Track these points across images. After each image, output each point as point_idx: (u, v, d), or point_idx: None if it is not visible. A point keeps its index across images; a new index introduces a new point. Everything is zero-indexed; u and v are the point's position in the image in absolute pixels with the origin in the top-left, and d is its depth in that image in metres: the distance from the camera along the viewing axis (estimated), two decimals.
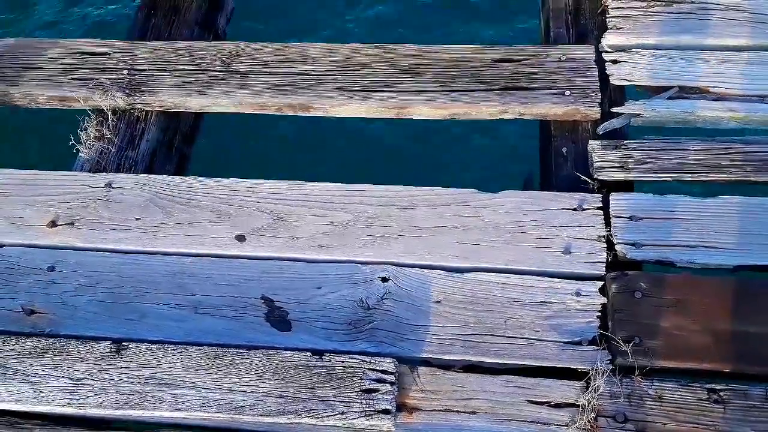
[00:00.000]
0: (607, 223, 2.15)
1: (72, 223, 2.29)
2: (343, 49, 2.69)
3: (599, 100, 2.46)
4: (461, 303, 2.03)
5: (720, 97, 2.43)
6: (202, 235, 2.23)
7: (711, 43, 2.59)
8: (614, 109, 2.45)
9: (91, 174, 2.43)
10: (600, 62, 2.56)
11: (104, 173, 2.43)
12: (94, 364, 1.94)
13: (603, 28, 2.68)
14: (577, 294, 2.02)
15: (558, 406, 1.85)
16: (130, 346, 1.97)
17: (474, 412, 1.86)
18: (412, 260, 2.13)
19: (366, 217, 2.23)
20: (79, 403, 1.88)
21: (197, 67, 2.68)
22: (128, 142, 2.58)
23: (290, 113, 2.60)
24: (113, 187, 2.36)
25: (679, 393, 1.84)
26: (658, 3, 2.69)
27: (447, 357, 1.95)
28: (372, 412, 1.81)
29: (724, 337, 1.90)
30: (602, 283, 2.04)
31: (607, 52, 2.60)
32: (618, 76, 2.52)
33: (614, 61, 2.55)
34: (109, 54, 2.75)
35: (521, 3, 4.07)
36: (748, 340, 1.90)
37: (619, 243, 2.10)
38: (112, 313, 2.08)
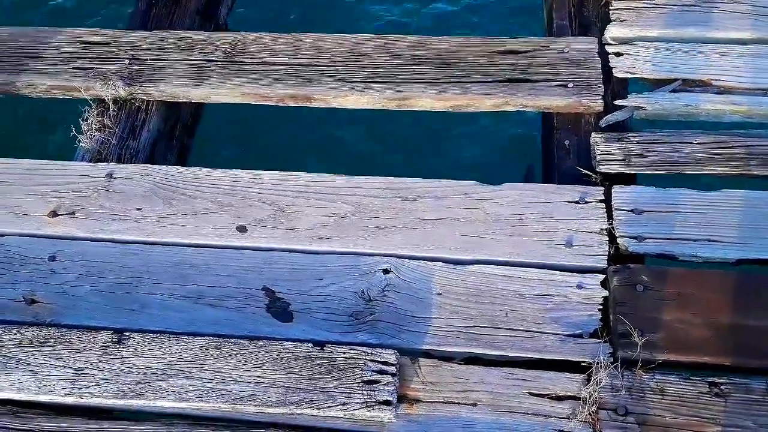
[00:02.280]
0: (609, 216, 2.15)
1: (73, 213, 2.28)
2: (345, 39, 2.68)
3: (602, 93, 2.45)
4: (463, 295, 2.03)
5: (723, 91, 2.43)
6: (203, 225, 2.23)
7: (715, 36, 2.58)
8: (617, 102, 2.44)
9: (92, 164, 2.42)
10: (603, 55, 2.55)
11: (105, 163, 2.42)
12: (96, 354, 1.94)
13: (606, 20, 2.66)
14: (579, 287, 2.02)
15: (559, 398, 1.85)
16: (131, 336, 1.96)
17: (475, 404, 1.86)
18: (413, 252, 2.13)
19: (368, 209, 2.22)
20: (81, 393, 1.88)
21: (199, 57, 2.67)
22: (129, 132, 2.57)
23: (292, 104, 2.59)
24: (114, 177, 2.35)
25: (681, 386, 1.84)
26: None
27: (448, 349, 1.95)
28: (373, 403, 1.81)
29: (726, 331, 1.90)
30: (604, 276, 2.03)
31: (610, 44, 2.60)
32: (621, 68, 2.51)
33: (617, 54, 2.54)
34: (110, 43, 2.74)
35: None
36: (750, 334, 1.89)
37: (621, 236, 2.10)
38: (113, 303, 2.08)
